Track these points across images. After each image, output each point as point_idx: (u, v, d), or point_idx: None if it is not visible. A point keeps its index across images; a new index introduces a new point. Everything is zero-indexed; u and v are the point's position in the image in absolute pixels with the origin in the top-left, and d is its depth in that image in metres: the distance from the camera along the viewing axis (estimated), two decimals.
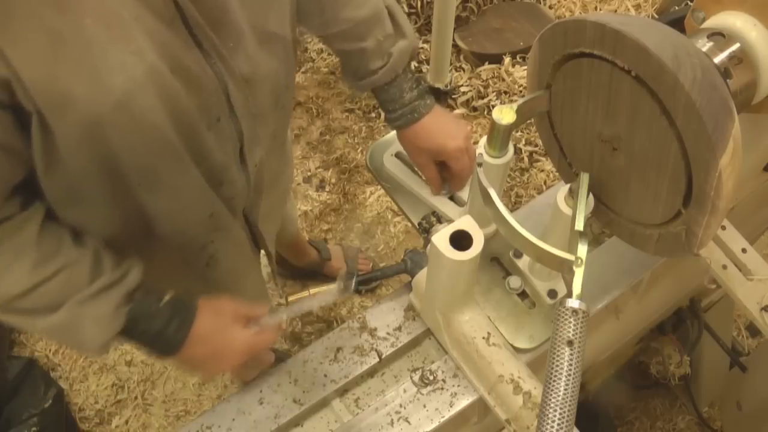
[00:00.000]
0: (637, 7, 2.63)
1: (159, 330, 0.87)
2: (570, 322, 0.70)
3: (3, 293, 0.80)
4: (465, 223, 0.81)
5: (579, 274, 0.74)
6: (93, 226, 0.88)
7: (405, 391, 0.96)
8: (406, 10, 2.51)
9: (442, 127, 1.07)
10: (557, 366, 0.69)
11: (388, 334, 1.01)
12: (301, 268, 2.10)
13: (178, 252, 1.00)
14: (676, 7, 1.02)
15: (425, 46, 2.45)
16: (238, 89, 0.86)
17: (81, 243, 0.85)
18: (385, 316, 1.02)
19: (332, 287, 0.94)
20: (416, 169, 1.16)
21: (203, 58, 0.80)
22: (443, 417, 0.94)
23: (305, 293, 1.02)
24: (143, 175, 0.83)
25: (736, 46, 0.78)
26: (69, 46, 0.69)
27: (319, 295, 0.95)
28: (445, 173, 1.11)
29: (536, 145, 2.33)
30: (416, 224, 1.12)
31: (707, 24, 0.83)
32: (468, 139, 1.07)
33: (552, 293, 1.00)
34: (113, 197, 0.85)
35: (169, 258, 1.00)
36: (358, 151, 2.38)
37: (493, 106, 2.30)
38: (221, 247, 1.05)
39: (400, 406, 0.95)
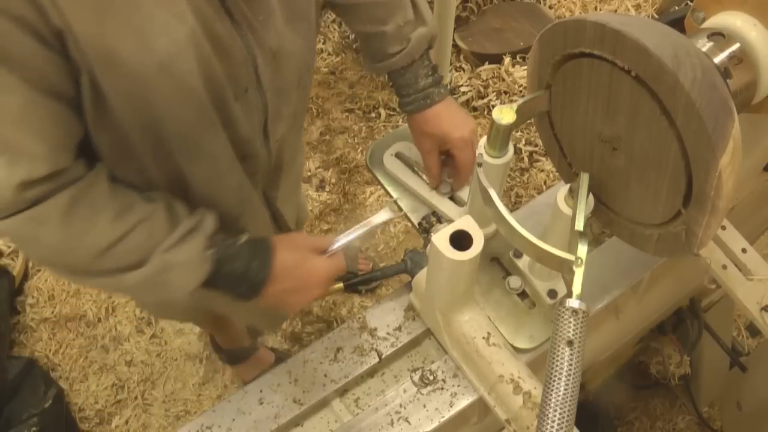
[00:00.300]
0: (637, 7, 2.63)
1: (242, 271, 0.88)
2: (570, 322, 0.70)
3: (89, 248, 0.81)
4: (465, 223, 0.81)
5: (579, 274, 0.74)
6: (143, 188, 0.90)
7: (405, 391, 0.96)
8: None
9: (451, 117, 1.08)
10: (557, 366, 0.69)
11: (388, 334, 1.01)
12: None
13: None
14: (676, 7, 1.02)
15: None
16: (266, 63, 0.88)
17: (149, 197, 0.87)
18: (385, 316, 1.02)
19: (381, 214, 1.00)
20: (416, 169, 1.16)
21: (234, 29, 0.82)
22: (443, 417, 0.94)
23: None
24: (182, 140, 0.85)
25: (736, 46, 0.78)
26: (117, 5, 0.70)
27: (368, 224, 0.99)
28: (448, 167, 1.12)
29: (536, 145, 2.33)
30: (416, 224, 1.12)
31: (707, 24, 0.83)
32: (474, 134, 1.08)
33: (552, 293, 1.00)
34: (156, 161, 0.88)
35: None
36: (358, 151, 2.38)
37: (493, 106, 2.30)
38: (250, 222, 1.06)
39: (400, 406, 0.95)
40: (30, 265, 2.18)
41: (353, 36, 2.50)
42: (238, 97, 0.87)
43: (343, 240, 0.97)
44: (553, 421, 0.67)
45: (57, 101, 0.75)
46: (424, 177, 1.15)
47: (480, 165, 0.88)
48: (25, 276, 2.16)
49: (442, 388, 0.96)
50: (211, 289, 0.89)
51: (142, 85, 0.76)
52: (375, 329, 1.01)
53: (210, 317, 1.72)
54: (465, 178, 1.11)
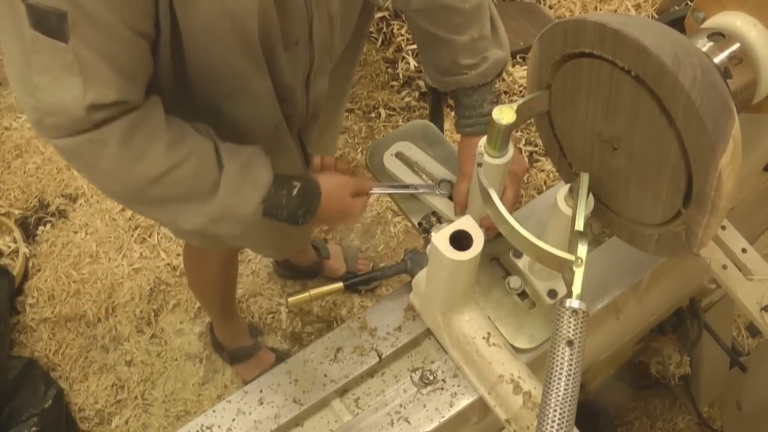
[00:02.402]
0: (637, 7, 2.63)
1: (288, 215, 0.99)
2: (570, 322, 0.70)
3: (142, 175, 0.86)
4: (465, 223, 0.81)
5: (579, 274, 0.74)
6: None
7: (405, 391, 0.96)
8: None
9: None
10: (557, 366, 0.69)
11: (388, 334, 1.01)
12: (301, 268, 2.10)
13: None
14: (676, 7, 1.02)
15: None
16: (321, 24, 0.96)
17: (197, 129, 0.92)
18: (385, 316, 1.02)
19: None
20: (416, 169, 1.16)
21: None
22: (443, 417, 0.94)
23: (305, 294, 1.02)
24: (233, 80, 0.93)
25: (736, 46, 0.78)
26: None
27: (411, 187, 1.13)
28: None
29: (536, 145, 2.33)
30: (416, 224, 1.12)
31: (707, 24, 0.83)
32: (525, 172, 1.10)
33: (552, 293, 1.00)
34: (205, 96, 0.95)
35: None
36: (358, 151, 2.38)
37: None
38: (278, 161, 1.08)
39: (400, 406, 0.95)
40: (30, 265, 2.19)
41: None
42: (287, 47, 0.95)
43: (380, 190, 1.13)
44: (553, 421, 0.67)
45: (137, 36, 0.80)
46: (424, 177, 1.15)
47: (480, 165, 0.88)
48: (25, 276, 2.17)
49: (442, 388, 0.96)
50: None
51: (208, 26, 0.83)
52: (375, 329, 1.01)
53: (220, 296, 1.75)
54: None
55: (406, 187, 1.14)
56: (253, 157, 0.95)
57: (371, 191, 1.10)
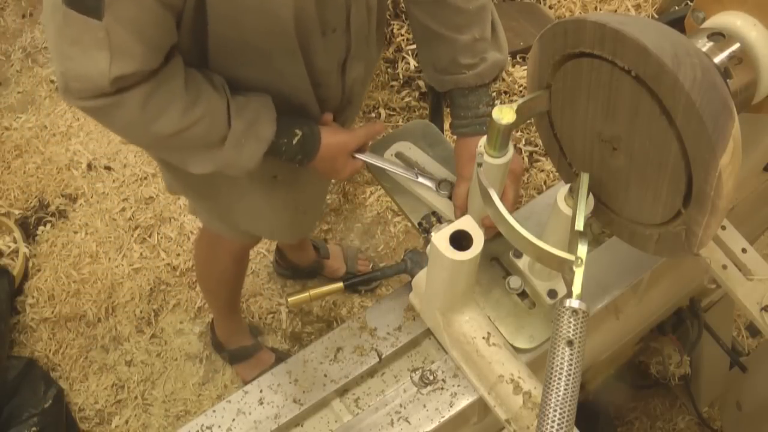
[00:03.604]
0: (637, 7, 2.63)
1: (286, 159, 1.06)
2: (570, 322, 0.70)
3: (156, 133, 0.94)
4: (465, 223, 0.81)
5: (579, 274, 0.74)
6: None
7: (405, 391, 0.96)
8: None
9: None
10: (557, 366, 0.69)
11: (388, 334, 1.01)
12: (301, 268, 2.10)
13: None
14: (676, 7, 1.02)
15: None
16: (359, 13, 1.02)
17: (214, 84, 0.97)
18: (385, 316, 1.02)
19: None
20: (416, 169, 1.16)
21: None
22: (443, 417, 0.94)
23: (305, 294, 1.02)
24: (263, 59, 0.98)
25: (736, 46, 0.78)
26: None
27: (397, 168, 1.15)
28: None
29: (536, 145, 2.33)
30: (416, 224, 1.12)
31: (707, 24, 0.83)
32: (522, 171, 1.10)
33: (552, 293, 1.00)
34: (232, 71, 0.99)
35: None
36: None
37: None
38: None
39: (400, 406, 0.95)
40: (30, 265, 2.19)
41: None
42: (325, 33, 1.00)
43: (371, 159, 1.15)
44: (553, 421, 0.67)
45: (165, 9, 0.84)
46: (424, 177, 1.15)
47: (480, 165, 0.88)
48: (25, 276, 2.17)
49: (442, 388, 0.96)
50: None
51: (239, 4, 0.87)
52: (375, 329, 1.01)
53: (228, 290, 1.77)
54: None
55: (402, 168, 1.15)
56: (260, 114, 1.00)
57: (366, 159, 1.14)
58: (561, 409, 0.68)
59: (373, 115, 2.44)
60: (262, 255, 2.18)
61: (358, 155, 1.14)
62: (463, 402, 0.95)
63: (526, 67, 2.38)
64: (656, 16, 2.56)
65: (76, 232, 2.24)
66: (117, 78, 0.85)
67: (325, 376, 0.97)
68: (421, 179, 1.13)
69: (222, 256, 1.62)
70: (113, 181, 2.33)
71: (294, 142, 1.04)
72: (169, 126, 0.93)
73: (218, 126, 0.96)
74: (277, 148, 1.03)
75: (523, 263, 1.02)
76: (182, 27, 0.90)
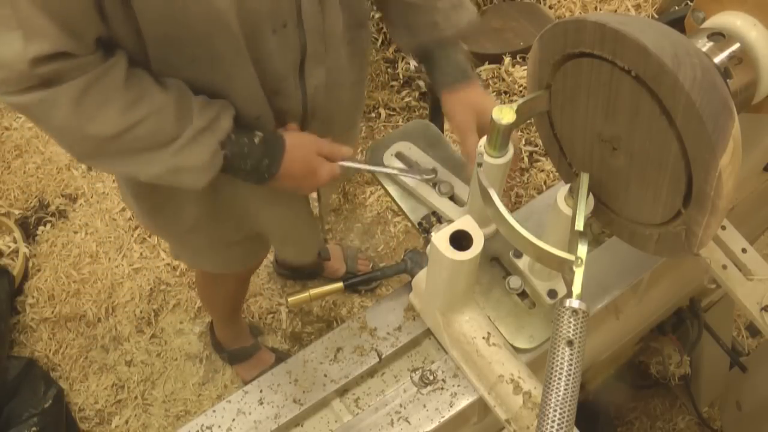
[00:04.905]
0: (637, 7, 2.63)
1: (252, 168, 0.97)
2: (570, 322, 0.70)
3: (95, 134, 0.86)
4: (465, 223, 0.81)
5: (579, 274, 0.74)
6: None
7: (405, 391, 0.96)
8: None
9: (486, 93, 1.10)
10: (557, 366, 0.69)
11: (388, 334, 1.01)
12: (301, 269, 2.10)
13: None
14: (676, 7, 1.02)
15: None
16: (311, 4, 0.92)
17: (164, 85, 0.90)
18: (385, 316, 1.02)
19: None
20: (416, 169, 1.16)
21: None
22: (443, 417, 0.94)
23: (305, 294, 1.02)
24: (207, 62, 0.90)
25: (736, 46, 0.78)
26: None
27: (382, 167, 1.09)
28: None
29: (536, 145, 2.33)
30: (416, 224, 1.11)
31: (707, 24, 0.83)
32: (488, 111, 1.08)
33: (552, 293, 1.00)
34: (174, 72, 0.91)
35: None
36: (359, 151, 2.38)
37: None
38: None
39: (400, 406, 0.95)
40: (30, 265, 2.19)
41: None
42: (275, 30, 0.91)
43: (351, 164, 1.07)
44: (553, 421, 0.67)
45: None
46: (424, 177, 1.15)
47: (480, 165, 0.88)
48: (25, 276, 2.17)
49: (442, 388, 0.96)
50: (223, 173, 0.96)
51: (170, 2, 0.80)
52: (375, 329, 1.01)
53: (226, 297, 1.73)
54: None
55: (381, 166, 1.10)
56: (219, 111, 0.93)
57: (341, 162, 1.06)
58: (561, 409, 0.68)
59: (373, 115, 2.45)
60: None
61: (342, 163, 1.06)
62: (463, 402, 0.95)
63: (526, 67, 2.38)
64: (656, 16, 2.56)
65: (76, 232, 2.24)
66: (35, 59, 0.78)
67: (325, 376, 0.97)
68: (410, 176, 1.13)
69: (225, 284, 1.61)
70: (113, 181, 2.32)
71: (256, 141, 0.96)
72: (108, 127, 0.86)
73: (166, 126, 0.89)
74: (239, 151, 0.94)
75: (523, 263, 1.02)
76: (111, 18, 0.84)
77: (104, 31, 0.84)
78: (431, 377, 0.97)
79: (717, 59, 0.77)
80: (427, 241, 1.04)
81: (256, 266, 1.58)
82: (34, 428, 1.78)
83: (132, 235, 2.22)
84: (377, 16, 2.45)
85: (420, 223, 1.10)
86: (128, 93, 0.86)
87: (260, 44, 0.91)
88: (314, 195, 1.30)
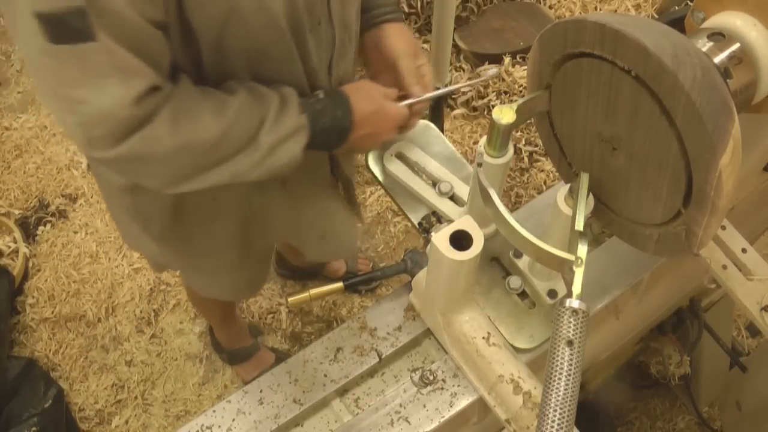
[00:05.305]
0: (637, 7, 2.63)
1: (331, 123, 0.97)
2: (570, 322, 0.70)
3: (201, 145, 0.87)
4: (465, 223, 0.81)
5: (579, 274, 0.74)
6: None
7: (405, 391, 0.96)
8: (406, 10, 2.51)
9: (408, 33, 1.10)
10: (557, 366, 0.69)
11: (388, 334, 1.01)
12: (301, 269, 2.10)
13: None
14: (676, 7, 1.02)
15: (425, 46, 2.45)
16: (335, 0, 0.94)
17: (230, 89, 0.91)
18: (385, 316, 1.02)
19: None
20: (416, 169, 1.16)
21: None
22: (443, 417, 0.94)
23: (305, 294, 1.02)
24: (259, 65, 0.92)
25: (736, 46, 0.78)
26: None
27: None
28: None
29: (536, 145, 2.33)
30: (416, 224, 1.11)
31: (707, 24, 0.83)
32: (415, 54, 1.09)
33: (552, 293, 1.00)
34: (231, 69, 0.92)
35: None
36: None
37: (493, 106, 2.30)
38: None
39: (400, 406, 0.95)
40: (30, 265, 2.19)
41: None
42: (312, 29, 0.93)
43: (415, 99, 1.05)
44: (553, 421, 0.67)
45: (150, 24, 0.78)
46: (424, 177, 1.15)
47: (480, 165, 0.88)
48: (25, 276, 2.17)
49: (442, 388, 0.96)
50: (309, 148, 0.96)
51: (230, 8, 0.81)
52: (375, 329, 1.01)
53: (221, 304, 1.74)
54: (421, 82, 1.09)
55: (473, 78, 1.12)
56: (281, 87, 0.95)
57: (409, 100, 1.04)
58: (561, 409, 0.68)
59: None
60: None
61: (406, 102, 1.04)
62: (463, 402, 0.95)
63: (526, 67, 2.38)
64: (656, 16, 2.56)
65: (76, 232, 2.24)
66: (136, 99, 0.78)
67: (325, 376, 0.97)
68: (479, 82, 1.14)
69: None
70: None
71: (321, 96, 0.97)
72: (210, 133, 0.87)
73: (253, 117, 0.90)
74: (313, 109, 0.95)
75: (523, 263, 1.02)
76: (173, 43, 0.85)
77: (172, 57, 0.85)
78: (431, 377, 0.97)
79: (717, 59, 0.77)
80: (427, 241, 1.04)
81: (257, 292, 1.59)
82: (34, 428, 1.78)
83: None
84: None
85: (420, 223, 1.10)
86: (210, 102, 0.88)
87: (303, 43, 0.94)
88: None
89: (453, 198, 1.12)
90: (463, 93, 2.42)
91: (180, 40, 0.85)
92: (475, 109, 2.42)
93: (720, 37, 0.79)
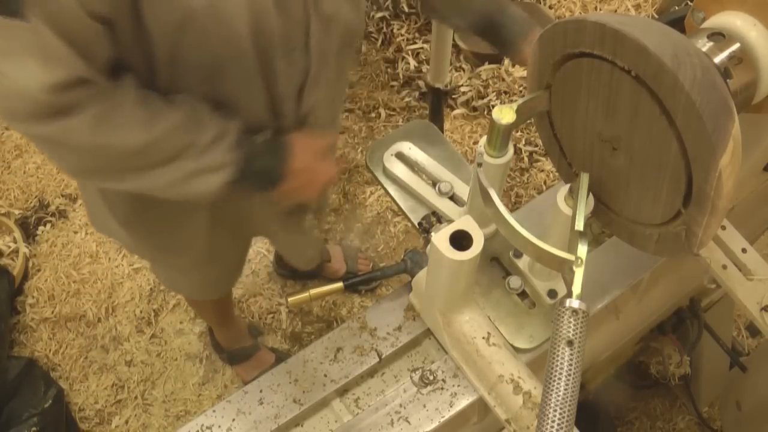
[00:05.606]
0: (637, 7, 2.63)
1: (261, 169, 0.96)
2: (570, 322, 0.70)
3: (118, 151, 0.86)
4: (465, 223, 0.81)
5: (579, 274, 0.74)
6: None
7: (405, 391, 0.96)
8: (406, 10, 2.51)
9: None
10: (557, 366, 0.69)
11: (388, 334, 1.01)
12: (301, 270, 2.10)
13: None
14: (676, 7, 1.02)
15: (425, 46, 2.45)
16: (318, 26, 0.92)
17: (174, 102, 0.90)
18: (385, 316, 1.02)
19: None
20: (416, 169, 1.16)
21: None
22: (443, 417, 0.94)
23: (305, 294, 1.02)
24: (214, 73, 0.89)
25: (736, 46, 0.78)
26: None
27: None
28: None
29: (536, 145, 2.33)
30: (416, 224, 1.12)
31: (707, 24, 0.83)
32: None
33: (552, 293, 1.00)
34: (184, 90, 0.91)
35: None
36: (358, 151, 2.38)
37: (493, 106, 2.30)
38: None
39: (400, 406, 0.95)
40: (30, 265, 2.19)
41: None
42: (285, 54, 0.91)
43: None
44: (553, 421, 0.67)
45: (92, 18, 0.77)
46: (424, 177, 1.15)
47: (480, 165, 0.88)
48: (25, 276, 2.17)
49: (442, 388, 0.96)
50: (233, 186, 0.94)
51: (183, 12, 0.79)
52: (375, 329, 1.01)
53: (215, 305, 1.74)
54: None
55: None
56: (230, 121, 0.93)
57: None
58: (561, 409, 0.68)
59: (373, 115, 2.45)
60: (262, 255, 2.18)
61: None
62: (463, 402, 0.95)
63: (526, 67, 2.38)
64: (656, 16, 2.56)
65: (76, 232, 2.24)
66: (56, 85, 0.78)
67: (325, 376, 0.97)
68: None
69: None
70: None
71: (261, 140, 0.95)
72: (132, 140, 0.86)
73: (185, 136, 0.89)
74: (250, 150, 0.93)
75: (523, 263, 1.02)
76: (122, 39, 0.82)
77: (113, 54, 0.84)
78: (431, 377, 0.97)
79: (717, 59, 0.77)
80: (427, 241, 1.04)
81: (225, 293, 1.58)
82: (34, 428, 1.78)
83: None
84: (377, 15, 2.46)
85: (420, 223, 1.10)
86: (144, 111, 0.86)
87: (270, 67, 0.91)
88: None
89: (453, 198, 1.12)
90: (463, 93, 2.42)
91: (133, 41, 0.83)
92: (475, 109, 2.42)
93: (720, 37, 0.79)
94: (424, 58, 2.49)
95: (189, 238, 1.20)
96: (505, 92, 2.40)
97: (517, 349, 0.97)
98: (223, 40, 0.84)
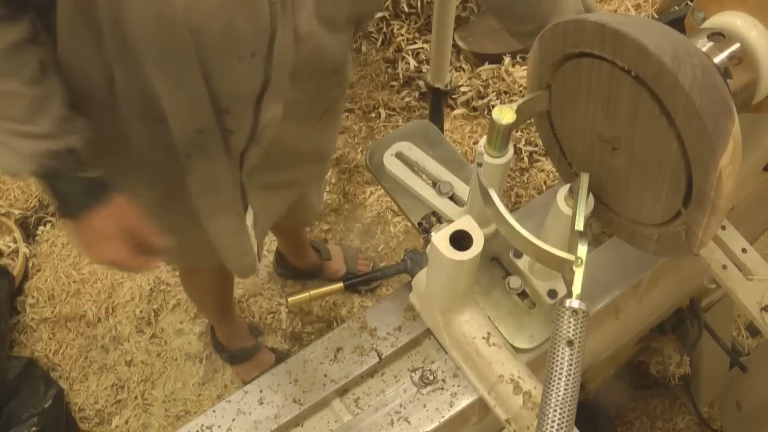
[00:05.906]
0: (637, 7, 2.63)
1: (66, 194, 0.91)
2: (570, 322, 0.70)
3: None
4: (465, 223, 0.81)
5: (579, 274, 0.74)
6: (83, 78, 0.91)
7: (405, 391, 0.96)
8: (406, 10, 2.51)
9: None
10: (557, 366, 0.69)
11: (388, 334, 1.01)
12: (301, 270, 2.10)
13: (154, 144, 1.01)
14: (676, 7, 1.02)
15: (425, 46, 2.45)
16: (286, 40, 0.87)
17: (42, 80, 0.85)
18: (385, 316, 1.02)
19: None
20: (416, 169, 1.16)
21: None
22: (443, 417, 0.94)
23: (305, 294, 1.02)
24: (153, 60, 0.86)
25: (736, 46, 0.78)
26: None
27: None
28: None
29: (536, 145, 2.33)
30: (416, 224, 1.11)
31: (707, 24, 0.83)
32: None
33: (552, 293, 1.00)
34: (110, 61, 0.88)
35: (145, 147, 1.02)
36: (358, 151, 2.38)
37: (493, 106, 2.29)
38: (199, 169, 1.04)
39: (400, 406, 0.95)
40: (30, 265, 2.18)
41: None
42: (242, 58, 0.87)
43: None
44: (553, 421, 0.67)
45: None
46: (424, 177, 1.15)
47: (480, 165, 0.88)
48: (25, 276, 2.17)
49: (442, 388, 0.96)
50: (40, 181, 0.90)
51: None
52: (375, 329, 1.01)
53: (215, 300, 1.73)
54: None
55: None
56: (74, 132, 0.89)
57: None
58: (561, 409, 0.68)
59: (373, 115, 2.45)
60: (262, 255, 2.18)
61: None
62: (463, 402, 0.95)
63: (526, 67, 2.38)
64: (656, 16, 2.56)
65: None
66: None
67: (325, 376, 0.97)
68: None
69: (200, 275, 1.61)
70: None
71: (82, 175, 0.90)
72: None
73: (12, 112, 0.84)
74: (62, 169, 0.88)
75: (523, 263, 1.02)
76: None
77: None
78: (431, 377, 0.97)
79: (717, 59, 0.77)
80: (427, 241, 1.04)
81: (213, 266, 1.51)
82: (34, 428, 1.78)
83: None
84: (378, 15, 2.46)
85: (420, 223, 1.10)
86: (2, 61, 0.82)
87: (217, 66, 0.87)
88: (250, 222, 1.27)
89: (453, 198, 1.12)
90: (463, 93, 2.42)
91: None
92: (475, 109, 2.42)
93: (720, 37, 0.79)
94: (424, 58, 2.49)
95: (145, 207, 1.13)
96: (505, 92, 2.40)
97: (517, 349, 0.97)
98: (156, 26, 0.81)
